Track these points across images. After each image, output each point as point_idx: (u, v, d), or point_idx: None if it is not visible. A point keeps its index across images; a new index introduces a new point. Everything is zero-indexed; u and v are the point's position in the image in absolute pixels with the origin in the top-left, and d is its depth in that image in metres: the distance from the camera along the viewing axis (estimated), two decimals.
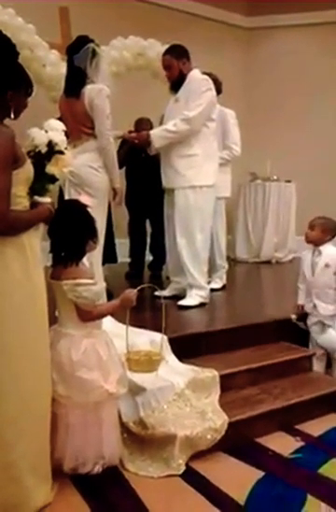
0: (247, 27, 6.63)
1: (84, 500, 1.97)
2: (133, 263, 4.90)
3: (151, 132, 3.56)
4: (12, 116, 1.80)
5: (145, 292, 4.06)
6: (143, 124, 4.57)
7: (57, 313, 2.17)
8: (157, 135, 3.48)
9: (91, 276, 2.07)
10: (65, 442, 2.01)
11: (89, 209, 2.12)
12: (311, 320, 3.23)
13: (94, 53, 2.95)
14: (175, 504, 1.99)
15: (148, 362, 2.33)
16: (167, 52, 3.57)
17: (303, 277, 3.29)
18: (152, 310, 3.46)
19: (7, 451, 1.77)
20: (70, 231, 2.04)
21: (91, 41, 2.98)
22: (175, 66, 3.50)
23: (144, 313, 3.29)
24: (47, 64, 4.31)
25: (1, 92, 1.76)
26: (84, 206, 2.10)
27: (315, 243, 3.21)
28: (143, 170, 4.54)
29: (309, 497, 2.02)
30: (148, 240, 5.01)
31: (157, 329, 2.49)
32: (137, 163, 4.57)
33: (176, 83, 3.54)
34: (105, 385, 2.02)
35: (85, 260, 2.09)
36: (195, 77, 3.52)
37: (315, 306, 3.20)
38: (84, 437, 2.02)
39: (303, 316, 3.29)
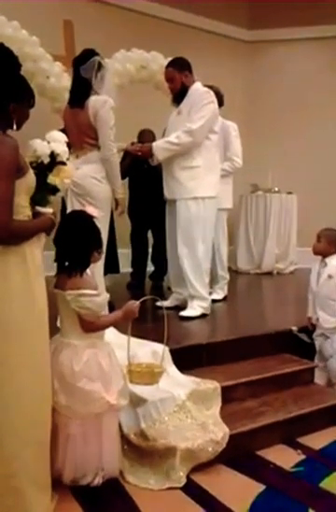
0: (249, 40, 6.69)
1: None
2: (135, 273, 4.90)
3: (154, 144, 3.58)
4: (14, 127, 1.81)
5: (147, 303, 4.06)
6: (145, 136, 4.59)
7: (59, 323, 2.17)
8: (160, 148, 3.50)
9: (95, 286, 2.08)
10: (65, 453, 2.00)
11: (94, 220, 2.13)
12: (316, 332, 3.23)
13: (100, 66, 3.01)
14: None
15: (150, 375, 2.31)
16: (169, 65, 3.61)
17: (311, 288, 3.32)
18: (154, 321, 3.46)
19: (8, 462, 1.77)
20: (75, 240, 2.05)
21: (97, 54, 3.04)
22: (178, 79, 3.54)
23: (146, 324, 3.29)
24: (50, 75, 4.35)
25: (4, 105, 1.78)
26: (90, 217, 2.12)
27: (322, 254, 3.24)
28: (145, 181, 4.56)
29: (310, 511, 2.00)
30: (150, 251, 5.02)
31: (159, 340, 2.48)
32: (140, 174, 4.59)
33: (179, 95, 3.57)
34: (107, 396, 2.01)
35: (88, 270, 2.10)
36: (197, 89, 3.55)
37: (318, 318, 3.21)
38: (84, 448, 2.01)
39: (305, 327, 3.29)
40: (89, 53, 3.04)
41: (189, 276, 3.51)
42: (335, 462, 2.38)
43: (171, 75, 3.56)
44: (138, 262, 4.91)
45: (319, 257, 3.29)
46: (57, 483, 1.99)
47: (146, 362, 2.40)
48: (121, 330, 2.47)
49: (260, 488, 2.16)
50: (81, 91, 2.98)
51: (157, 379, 2.31)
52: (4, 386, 1.76)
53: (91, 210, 2.15)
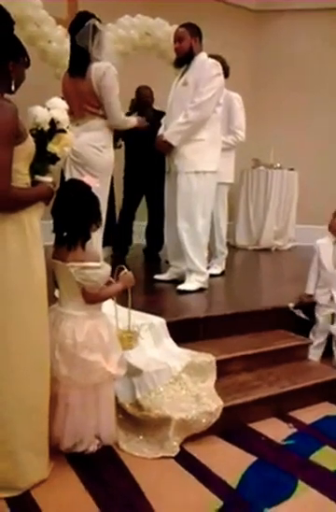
0: (256, 10, 6.52)
1: (79, 478, 2.00)
2: (118, 242, 4.67)
3: (165, 134, 3.49)
4: (13, 88, 1.76)
5: (142, 276, 4.08)
6: (143, 91, 4.59)
7: (56, 293, 2.17)
8: (171, 133, 3.42)
9: (98, 258, 2.07)
10: (64, 422, 2.02)
11: (93, 190, 2.10)
12: (322, 312, 3.22)
13: (95, 30, 2.86)
14: (168, 484, 2.02)
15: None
16: (183, 25, 3.52)
17: (320, 267, 3.26)
18: (152, 294, 3.48)
19: (1, 427, 1.79)
20: (73, 211, 2.02)
21: (92, 16, 2.89)
22: (188, 40, 3.44)
23: (143, 296, 3.29)
24: (52, 40, 4.25)
25: (3, 64, 1.73)
26: (88, 187, 2.08)
27: None
28: (143, 149, 4.45)
29: (300, 483, 2.05)
30: (146, 224, 4.97)
31: (156, 313, 2.49)
32: (137, 142, 4.47)
33: (183, 59, 3.48)
34: (107, 366, 2.03)
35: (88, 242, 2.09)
36: (204, 61, 3.46)
37: (332, 299, 3.19)
38: (82, 417, 2.04)
39: (303, 305, 3.30)
40: (83, 17, 2.88)
41: (188, 250, 3.50)
42: (325, 437, 2.43)
43: (182, 34, 3.46)
44: (123, 232, 4.72)
45: (321, 238, 3.27)
46: (53, 450, 2.02)
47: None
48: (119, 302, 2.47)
49: (252, 459, 2.20)
50: (80, 60, 2.88)
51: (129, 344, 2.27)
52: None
53: (89, 180, 2.11)
